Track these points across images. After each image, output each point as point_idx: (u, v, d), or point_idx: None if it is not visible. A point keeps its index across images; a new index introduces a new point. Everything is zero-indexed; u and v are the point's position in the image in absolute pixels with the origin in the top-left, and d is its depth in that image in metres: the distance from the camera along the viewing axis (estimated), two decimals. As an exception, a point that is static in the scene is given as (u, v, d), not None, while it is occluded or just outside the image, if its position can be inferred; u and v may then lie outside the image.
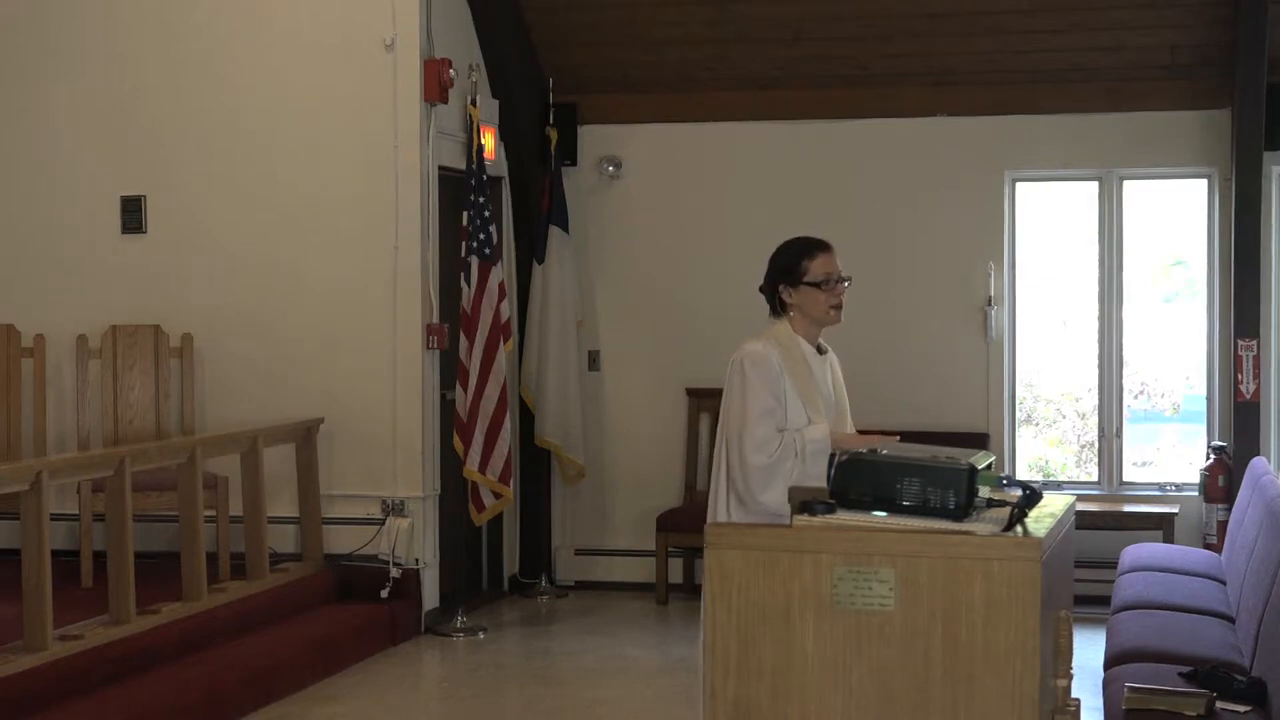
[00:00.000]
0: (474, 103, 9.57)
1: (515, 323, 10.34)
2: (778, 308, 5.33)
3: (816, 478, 5.03)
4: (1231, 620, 6.90)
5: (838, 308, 5.33)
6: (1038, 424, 10.78)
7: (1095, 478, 10.42)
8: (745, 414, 5.15)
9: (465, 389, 9.28)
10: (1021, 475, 10.11)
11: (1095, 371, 10.42)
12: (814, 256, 5.30)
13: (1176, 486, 10.22)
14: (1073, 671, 4.32)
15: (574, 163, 10.75)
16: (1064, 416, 10.72)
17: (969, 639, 4.07)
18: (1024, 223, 10.49)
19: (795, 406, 5.21)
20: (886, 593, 4.12)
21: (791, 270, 5.30)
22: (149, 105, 9.68)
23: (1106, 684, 5.94)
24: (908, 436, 8.56)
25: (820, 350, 5.40)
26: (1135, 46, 9.94)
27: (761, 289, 5.39)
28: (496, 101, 10.30)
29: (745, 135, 10.62)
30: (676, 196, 10.66)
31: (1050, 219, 10.60)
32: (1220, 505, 9.53)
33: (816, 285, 5.28)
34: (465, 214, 9.38)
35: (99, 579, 8.29)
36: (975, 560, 4.08)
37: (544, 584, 10.54)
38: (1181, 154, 10.14)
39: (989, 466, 4.53)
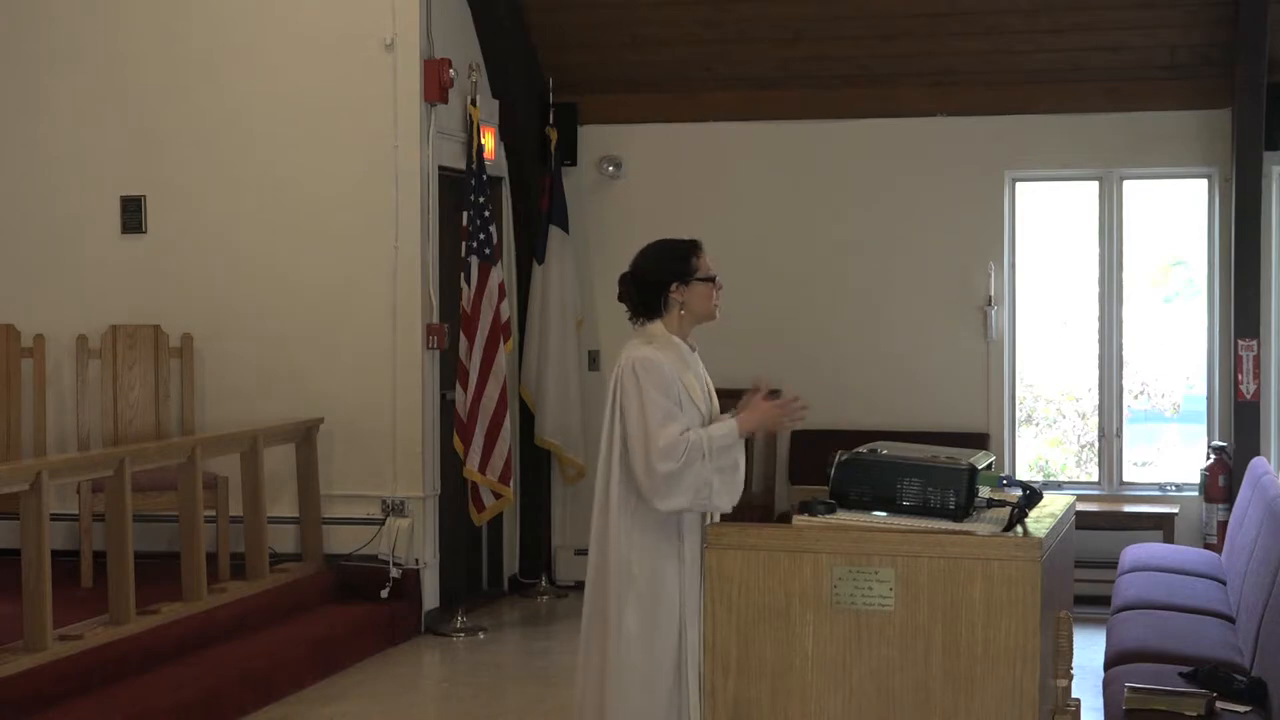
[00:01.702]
0: (474, 103, 9.57)
1: (515, 323, 10.33)
2: (660, 307, 5.37)
3: (729, 468, 5.09)
4: (1231, 620, 6.90)
5: (716, 304, 5.44)
6: (1038, 424, 10.78)
7: (1095, 478, 10.42)
8: (646, 422, 5.15)
9: (465, 389, 9.28)
10: (1021, 475, 10.11)
11: (1095, 371, 10.42)
12: (700, 255, 5.43)
13: (1176, 486, 10.21)
14: (1073, 671, 4.32)
15: (574, 163, 10.75)
16: (1064, 416, 10.71)
17: (969, 639, 4.07)
18: (1024, 223, 10.49)
19: (689, 406, 5.26)
20: (886, 593, 4.13)
21: (684, 268, 5.38)
22: (149, 105, 9.68)
23: (1106, 684, 5.94)
24: (908, 437, 8.59)
25: (691, 348, 5.46)
26: (1135, 46, 9.94)
27: (629, 293, 5.42)
28: (496, 101, 10.29)
29: (745, 135, 10.62)
30: (676, 196, 10.66)
31: (1050, 219, 10.60)
32: (1220, 505, 9.53)
33: (709, 281, 5.40)
34: (465, 214, 9.38)
35: (99, 579, 8.30)
36: (975, 560, 4.08)
37: (544, 584, 10.53)
38: (1181, 154, 10.14)
39: (989, 466, 4.53)
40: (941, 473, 4.26)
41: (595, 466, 5.42)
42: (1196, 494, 9.91)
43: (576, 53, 10.56)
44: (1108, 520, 9.76)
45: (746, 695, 4.22)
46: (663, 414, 5.15)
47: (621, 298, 5.47)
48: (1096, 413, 10.41)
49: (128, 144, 9.71)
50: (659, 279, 5.38)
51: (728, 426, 5.19)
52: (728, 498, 5.12)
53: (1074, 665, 4.35)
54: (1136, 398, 10.55)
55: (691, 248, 5.45)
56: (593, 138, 10.80)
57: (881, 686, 4.12)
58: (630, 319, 5.45)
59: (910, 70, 10.31)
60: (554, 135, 10.46)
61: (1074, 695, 4.35)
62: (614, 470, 5.26)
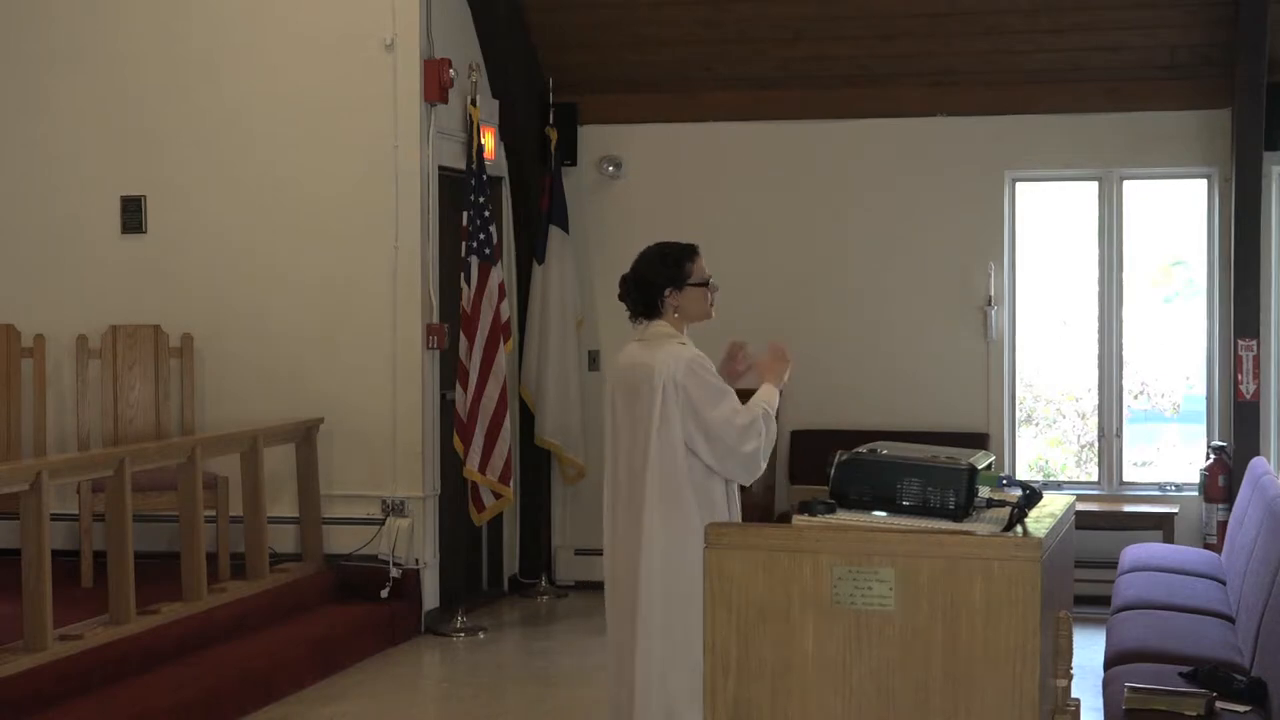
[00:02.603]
0: (474, 103, 9.57)
1: (515, 323, 10.33)
2: (656, 308, 5.62)
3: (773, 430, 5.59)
4: (1231, 620, 6.90)
5: (712, 305, 5.71)
6: (1038, 424, 10.78)
7: (1095, 478, 10.42)
8: (724, 412, 5.47)
9: (465, 389, 9.28)
10: (1021, 475, 10.11)
11: (1095, 371, 10.42)
12: (694, 259, 5.67)
13: (1176, 486, 10.22)
14: (1073, 671, 4.31)
15: (574, 163, 10.75)
16: (1064, 416, 10.71)
17: (969, 639, 4.07)
18: (1024, 223, 10.49)
19: None
20: (886, 593, 4.12)
21: (677, 274, 5.62)
22: (149, 105, 9.69)
23: (1106, 684, 5.94)
24: (908, 437, 8.58)
25: None
26: (1135, 46, 9.94)
27: (630, 294, 5.66)
28: (496, 101, 10.30)
29: (745, 135, 10.62)
30: (676, 196, 10.66)
31: (1050, 219, 10.60)
32: (1220, 505, 9.53)
33: (702, 285, 5.65)
34: (465, 214, 9.38)
35: (99, 579, 8.30)
36: (975, 560, 4.08)
37: (544, 584, 10.53)
38: (1181, 154, 10.14)
39: (989, 466, 4.53)
40: (941, 473, 4.26)
41: (599, 466, 5.49)
42: (1196, 494, 9.91)
43: (576, 53, 10.56)
44: (1108, 520, 9.76)
45: (746, 695, 4.22)
46: (731, 401, 5.49)
47: (621, 298, 5.68)
48: (1096, 413, 10.41)
49: (128, 144, 9.72)
50: (653, 283, 5.60)
51: (769, 392, 5.59)
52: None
53: (1074, 665, 4.34)
54: (1136, 398, 10.55)
55: (686, 253, 5.66)
56: (593, 138, 10.80)
57: (881, 686, 4.12)
58: (630, 318, 5.67)
59: (910, 70, 10.31)
60: (554, 135, 10.46)
61: (1074, 695, 4.34)
62: (681, 468, 5.47)
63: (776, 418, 5.64)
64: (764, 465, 5.60)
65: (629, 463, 5.58)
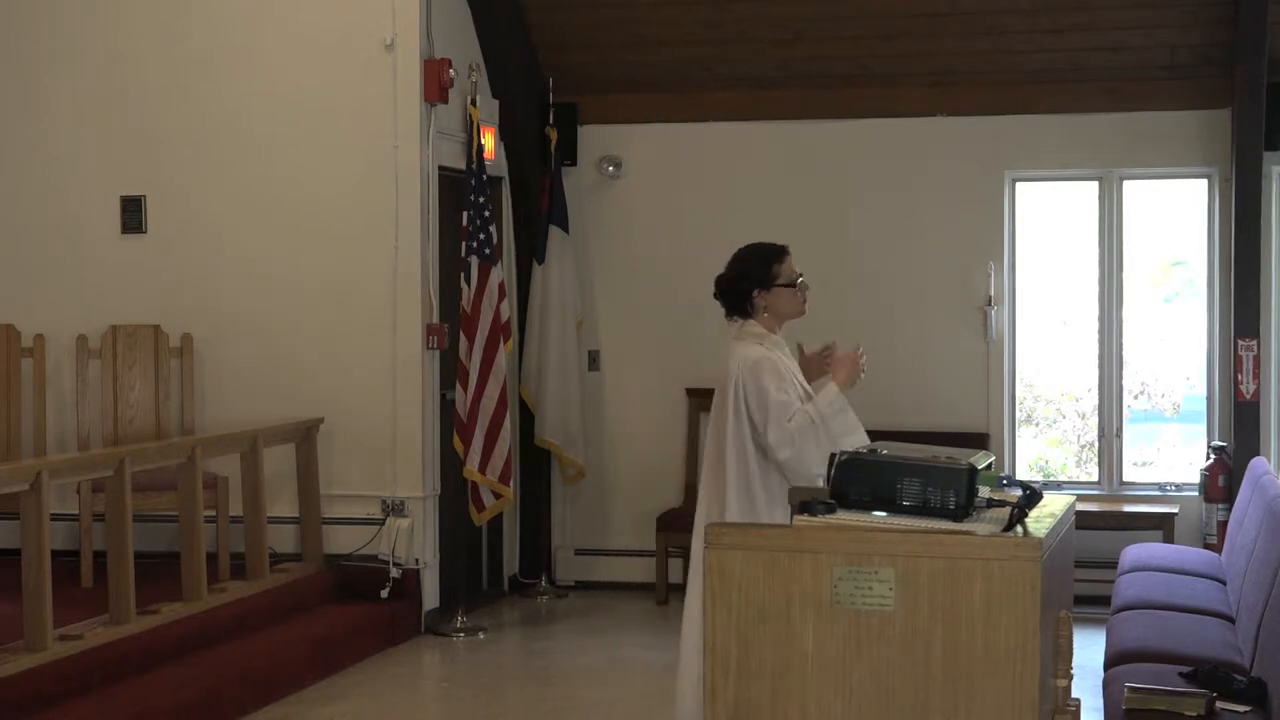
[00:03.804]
0: (474, 103, 9.57)
1: (515, 323, 10.33)
2: (747, 309, 5.82)
3: (847, 422, 5.73)
4: (1231, 620, 6.90)
5: (804, 302, 5.89)
6: (1038, 424, 10.78)
7: (1095, 478, 10.42)
8: (766, 416, 5.64)
9: (465, 389, 9.28)
10: (1021, 475, 10.11)
11: (1095, 371, 10.42)
12: (782, 260, 5.86)
13: (1176, 486, 10.21)
14: (1073, 671, 4.32)
15: (574, 163, 10.75)
16: (1064, 416, 10.71)
17: (969, 639, 4.07)
18: (1024, 223, 10.49)
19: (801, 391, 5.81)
20: (886, 593, 4.12)
21: (765, 275, 5.81)
22: (149, 105, 9.69)
23: (1106, 684, 5.94)
24: (908, 436, 8.59)
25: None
26: (1135, 46, 9.94)
27: (722, 295, 5.87)
28: (496, 101, 10.30)
29: (745, 135, 10.62)
30: (676, 196, 10.66)
31: (1050, 219, 10.60)
32: (1220, 505, 9.53)
33: (790, 285, 5.84)
34: (465, 214, 9.38)
35: (99, 579, 8.30)
36: (975, 560, 4.08)
37: (544, 584, 10.53)
38: (1181, 154, 10.14)
39: (989, 466, 4.53)
40: (941, 473, 4.26)
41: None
42: (1196, 494, 9.91)
43: (576, 53, 10.56)
44: (1108, 520, 9.76)
45: (747, 695, 4.23)
46: (778, 406, 5.66)
47: (716, 297, 5.89)
48: (1096, 413, 10.41)
49: (128, 144, 9.72)
50: (743, 285, 5.81)
51: (829, 391, 5.73)
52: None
53: (1074, 665, 4.35)
54: (1136, 398, 10.55)
55: (775, 254, 5.87)
56: (593, 138, 10.80)
57: (881, 686, 4.12)
58: (726, 317, 5.89)
59: (910, 70, 10.31)
60: (554, 135, 10.46)
61: (1074, 695, 4.35)
62: (753, 461, 5.69)
63: None
64: (817, 469, 5.55)
65: (713, 452, 5.81)
